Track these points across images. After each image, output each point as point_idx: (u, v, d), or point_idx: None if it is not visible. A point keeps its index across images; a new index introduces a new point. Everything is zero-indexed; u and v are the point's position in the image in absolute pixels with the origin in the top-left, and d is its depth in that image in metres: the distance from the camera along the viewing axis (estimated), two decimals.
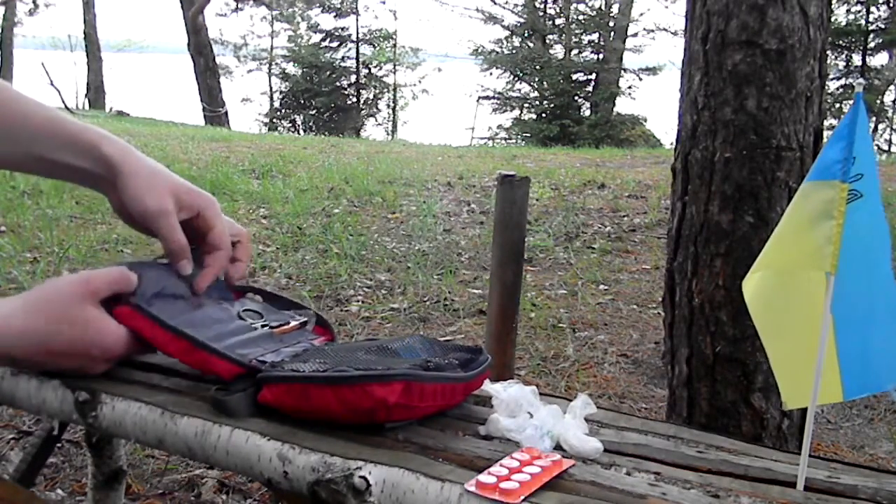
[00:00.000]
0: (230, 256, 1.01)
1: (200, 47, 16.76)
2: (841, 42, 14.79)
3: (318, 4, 21.91)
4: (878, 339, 0.76)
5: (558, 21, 20.21)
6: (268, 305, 1.06)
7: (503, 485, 0.69)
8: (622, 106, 19.28)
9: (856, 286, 0.74)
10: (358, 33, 21.69)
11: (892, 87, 15.86)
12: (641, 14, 24.70)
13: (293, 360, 0.88)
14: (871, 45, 14.98)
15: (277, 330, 0.98)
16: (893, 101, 16.27)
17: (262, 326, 0.98)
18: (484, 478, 0.70)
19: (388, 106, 22.68)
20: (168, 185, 0.96)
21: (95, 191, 0.99)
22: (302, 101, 21.71)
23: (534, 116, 19.47)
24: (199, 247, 1.00)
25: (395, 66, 22.66)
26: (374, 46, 22.34)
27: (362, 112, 21.95)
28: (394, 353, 0.92)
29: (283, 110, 22.12)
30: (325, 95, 21.42)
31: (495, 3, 20.11)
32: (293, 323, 1.01)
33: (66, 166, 0.96)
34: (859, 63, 15.05)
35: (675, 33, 18.84)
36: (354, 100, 21.93)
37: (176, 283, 0.96)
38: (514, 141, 18.73)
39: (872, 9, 14.95)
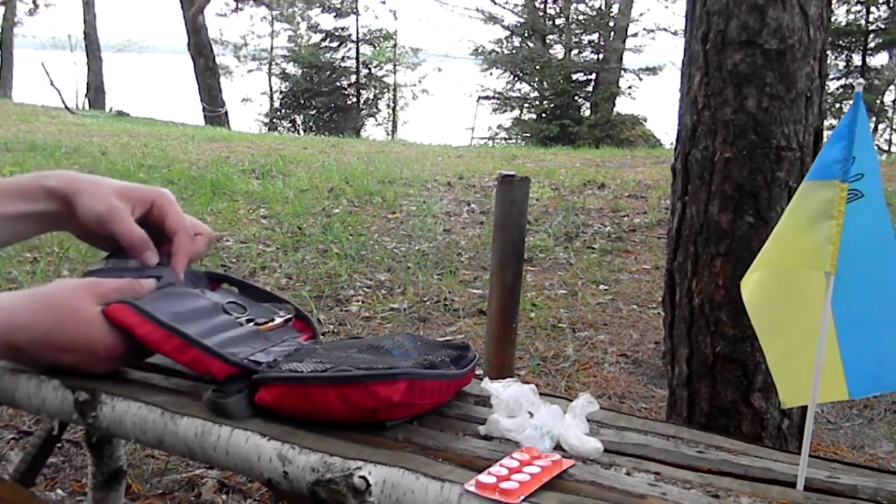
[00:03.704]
0: (192, 238, 1.03)
1: (200, 47, 16.74)
2: (841, 42, 14.79)
3: (318, 4, 21.89)
4: (890, 339, 0.76)
5: (558, 21, 20.20)
6: (245, 297, 1.06)
7: (503, 485, 0.69)
8: (622, 106, 19.29)
9: (860, 286, 0.74)
10: (358, 33, 21.68)
11: (892, 87, 15.85)
12: (641, 14, 24.66)
13: (287, 360, 0.88)
14: (871, 45, 14.97)
15: (264, 327, 0.98)
16: (893, 101, 16.26)
17: (248, 321, 0.98)
18: (484, 478, 0.70)
19: (388, 106, 22.67)
20: (113, 188, 0.99)
21: (57, 230, 1.01)
22: (302, 101, 21.69)
23: (534, 116, 19.46)
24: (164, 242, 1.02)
25: (395, 66, 22.64)
26: (374, 46, 22.32)
27: (362, 112, 21.94)
28: (386, 351, 0.92)
29: (283, 110, 22.10)
30: (325, 95, 21.41)
31: (495, 3, 20.11)
32: (278, 320, 1.01)
33: (22, 216, 0.97)
34: (859, 63, 15.04)
35: (675, 33, 18.84)
36: (354, 100, 21.91)
37: (155, 273, 0.97)
38: (514, 141, 18.72)
39: (872, 9, 14.94)
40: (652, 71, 19.09)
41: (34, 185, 0.98)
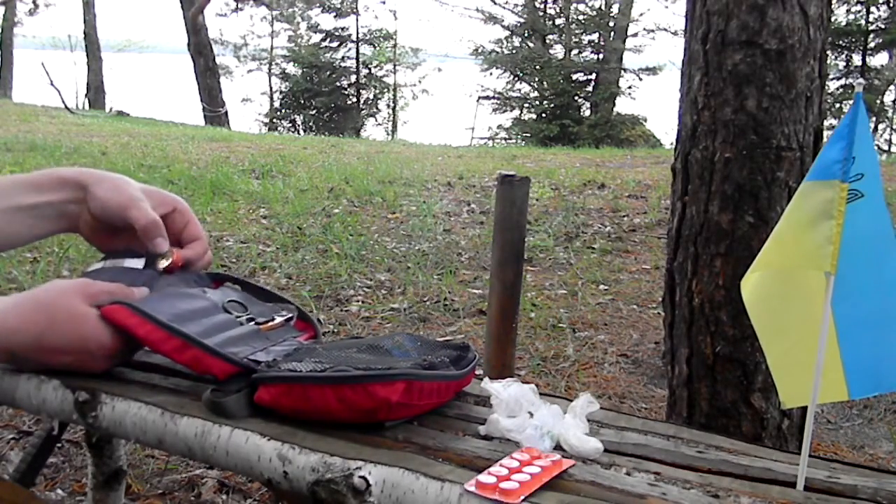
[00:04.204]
0: (207, 249, 1.05)
1: (200, 47, 16.74)
2: (841, 42, 14.79)
3: (318, 4, 21.90)
4: (890, 339, 0.75)
5: (558, 21, 20.21)
6: (247, 296, 1.06)
7: (503, 485, 0.69)
8: (622, 106, 19.30)
9: (860, 286, 0.74)
10: (358, 33, 21.69)
11: (892, 87, 15.84)
12: (641, 14, 24.67)
13: (286, 360, 0.88)
14: (871, 45, 14.97)
15: (264, 326, 0.98)
16: (893, 101, 16.26)
17: (248, 321, 0.98)
18: (484, 478, 0.70)
19: (388, 106, 22.68)
20: (137, 185, 1.01)
21: (68, 230, 1.02)
22: (302, 101, 21.70)
23: (534, 116, 19.46)
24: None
25: (395, 66, 22.65)
26: (374, 46, 22.33)
27: (362, 112, 21.95)
28: (386, 351, 0.92)
29: (283, 110, 22.11)
30: (325, 95, 21.42)
31: (495, 3, 20.12)
32: (278, 319, 1.01)
33: (33, 207, 0.98)
34: (859, 63, 15.04)
35: (675, 33, 18.85)
36: (354, 100, 21.92)
37: (151, 276, 0.97)
38: (514, 141, 18.72)
39: (872, 9, 14.94)
40: (652, 71, 19.10)
41: (47, 177, 0.99)
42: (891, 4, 15.14)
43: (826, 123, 1.72)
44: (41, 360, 0.90)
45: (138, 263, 0.99)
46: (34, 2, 21.78)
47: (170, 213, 1.02)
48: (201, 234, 1.04)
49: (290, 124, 21.57)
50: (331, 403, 0.80)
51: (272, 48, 23.24)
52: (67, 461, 2.03)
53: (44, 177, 0.99)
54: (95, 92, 20.26)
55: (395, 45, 22.54)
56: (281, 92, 22.34)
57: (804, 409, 0.86)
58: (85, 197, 0.98)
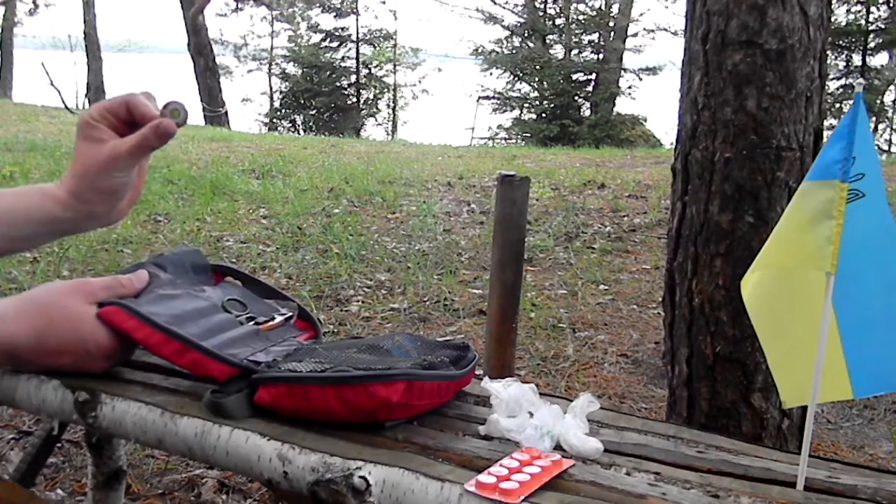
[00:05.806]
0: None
1: (200, 47, 16.74)
2: (841, 42, 14.77)
3: (318, 4, 21.90)
4: (893, 338, 0.75)
5: (558, 21, 20.19)
6: (248, 292, 1.06)
7: (503, 485, 0.69)
8: (622, 106, 19.28)
9: (862, 285, 0.74)
10: (358, 33, 21.68)
11: (892, 87, 15.84)
12: (641, 14, 24.64)
13: (286, 360, 0.88)
14: (871, 45, 14.96)
15: (264, 326, 0.98)
16: (893, 101, 16.25)
17: (248, 320, 0.98)
18: (484, 478, 0.70)
19: (388, 106, 22.67)
20: (84, 155, 0.92)
21: (78, 230, 0.99)
22: (302, 101, 21.69)
23: (534, 116, 19.45)
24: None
25: (395, 66, 22.64)
26: (374, 46, 22.33)
27: (362, 112, 21.94)
28: (386, 351, 0.92)
29: (283, 110, 22.10)
30: (325, 95, 21.41)
31: (495, 3, 20.11)
32: (278, 318, 1.01)
33: (40, 234, 0.96)
34: (859, 63, 15.03)
35: (675, 33, 18.83)
36: (354, 100, 21.91)
37: (154, 276, 0.97)
38: (514, 141, 18.71)
39: (872, 9, 14.92)
40: (652, 71, 19.08)
41: (39, 189, 0.95)
42: (891, 4, 15.13)
43: (826, 123, 1.72)
44: (41, 363, 0.90)
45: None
46: (34, 2, 21.78)
47: (123, 112, 0.92)
48: (144, 103, 0.93)
49: (290, 124, 21.56)
50: (331, 404, 0.80)
51: (272, 48, 23.22)
52: (67, 461, 2.03)
53: (39, 189, 0.94)
54: (95, 92, 20.23)
55: (395, 45, 22.53)
56: (281, 92, 22.33)
57: (804, 409, 0.86)
58: (83, 208, 0.93)
